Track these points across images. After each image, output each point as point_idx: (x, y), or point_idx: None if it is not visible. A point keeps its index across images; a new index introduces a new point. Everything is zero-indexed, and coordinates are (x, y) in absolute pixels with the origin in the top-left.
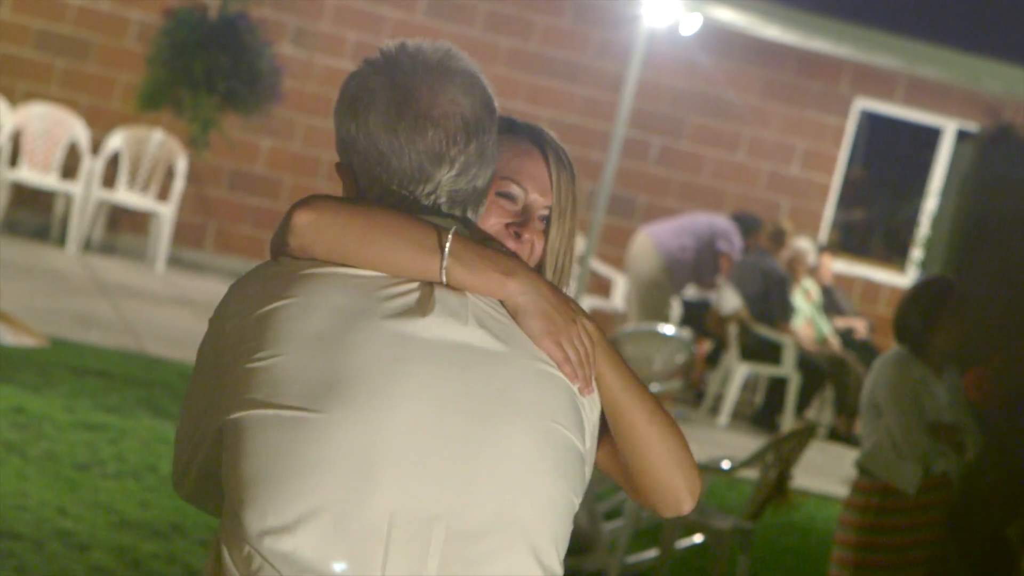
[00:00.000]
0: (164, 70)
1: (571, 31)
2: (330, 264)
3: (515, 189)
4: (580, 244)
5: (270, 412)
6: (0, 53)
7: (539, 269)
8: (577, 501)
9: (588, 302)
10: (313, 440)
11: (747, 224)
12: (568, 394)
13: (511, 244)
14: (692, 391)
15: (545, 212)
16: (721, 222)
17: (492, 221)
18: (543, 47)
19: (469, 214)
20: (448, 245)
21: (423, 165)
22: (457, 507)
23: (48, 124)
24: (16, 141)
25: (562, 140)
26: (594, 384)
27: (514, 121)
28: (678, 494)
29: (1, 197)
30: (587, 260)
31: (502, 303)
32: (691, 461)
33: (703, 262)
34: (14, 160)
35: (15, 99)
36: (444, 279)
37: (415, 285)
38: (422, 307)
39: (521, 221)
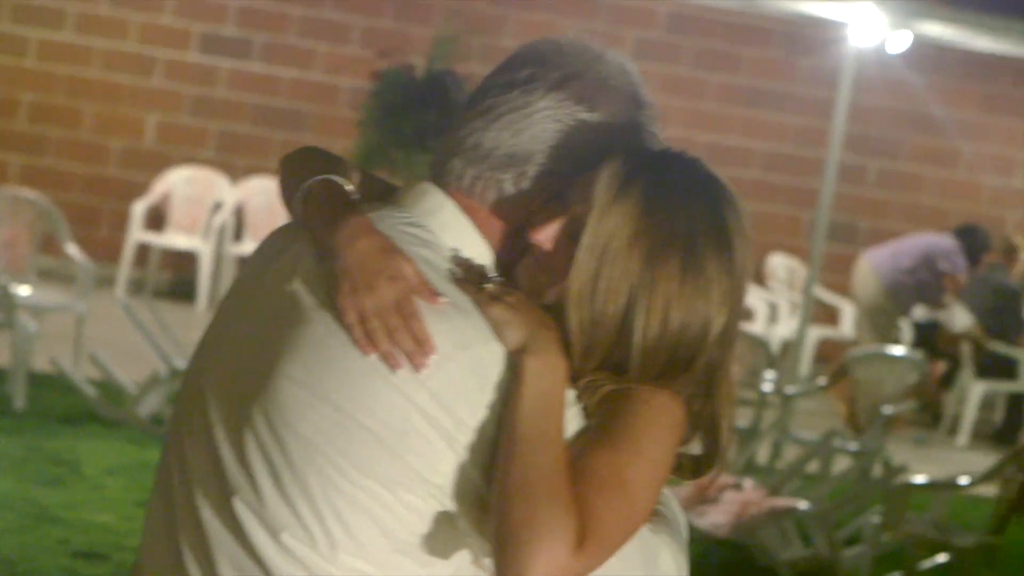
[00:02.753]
0: (375, 132)
1: (780, 61)
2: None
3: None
4: (801, 272)
5: None
6: (219, 130)
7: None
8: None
9: (816, 331)
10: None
11: (973, 239)
12: (359, 364)
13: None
14: (929, 413)
15: (580, 219)
16: (941, 241)
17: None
18: (752, 79)
19: (480, 182)
20: (306, 186)
21: (448, 125)
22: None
23: (270, 198)
24: (239, 217)
25: (778, 170)
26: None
27: None
28: (505, 555)
29: (228, 272)
30: (811, 289)
31: None
32: (537, 528)
33: (925, 283)
34: (238, 235)
35: (236, 175)
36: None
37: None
38: (276, 256)
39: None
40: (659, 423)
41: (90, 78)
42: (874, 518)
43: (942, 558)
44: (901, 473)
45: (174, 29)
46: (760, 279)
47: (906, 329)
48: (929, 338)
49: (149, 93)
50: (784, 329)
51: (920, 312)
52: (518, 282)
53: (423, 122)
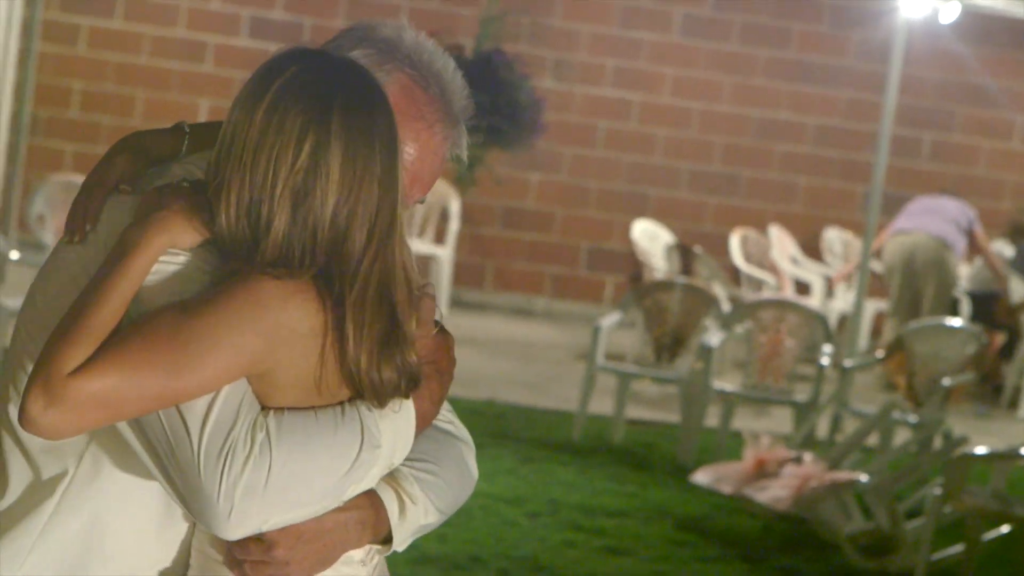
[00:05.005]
0: None
1: (829, 35)
2: None
3: None
4: (856, 245)
5: None
6: None
7: None
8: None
9: (872, 304)
10: None
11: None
12: (57, 251)
13: None
14: (990, 386)
15: None
16: (962, 204)
17: None
18: (802, 54)
19: None
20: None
21: None
22: None
23: None
24: None
25: (830, 144)
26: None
27: None
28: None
29: None
30: (866, 262)
31: None
32: (57, 337)
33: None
34: None
35: None
36: None
37: None
38: None
39: None
40: (241, 298)
41: (140, 64)
42: (935, 490)
43: (1004, 529)
44: (961, 444)
45: (223, 14)
46: (816, 253)
47: (964, 302)
48: (987, 311)
49: (200, 79)
50: (841, 303)
51: (976, 285)
52: None
53: (474, 103)
